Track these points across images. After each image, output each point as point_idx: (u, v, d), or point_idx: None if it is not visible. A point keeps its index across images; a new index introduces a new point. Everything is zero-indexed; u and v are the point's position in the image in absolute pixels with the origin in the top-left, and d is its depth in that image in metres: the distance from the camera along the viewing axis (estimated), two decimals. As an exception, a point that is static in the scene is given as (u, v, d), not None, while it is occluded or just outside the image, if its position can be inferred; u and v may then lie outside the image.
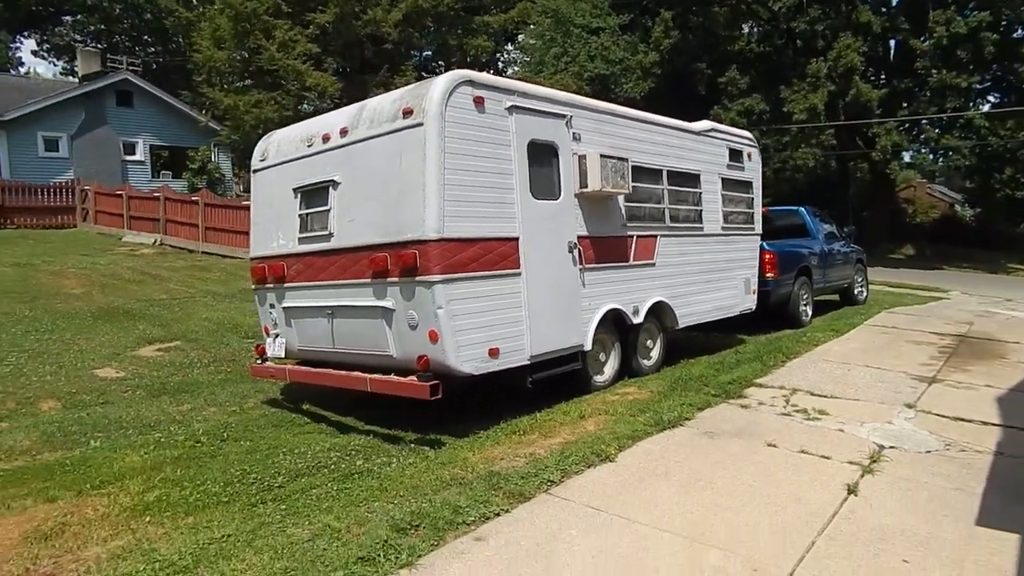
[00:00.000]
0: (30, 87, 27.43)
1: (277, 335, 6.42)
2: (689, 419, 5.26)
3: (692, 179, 7.83)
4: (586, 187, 6.03)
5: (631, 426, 5.00)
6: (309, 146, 5.99)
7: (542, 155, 5.77)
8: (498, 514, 3.54)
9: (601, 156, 6.03)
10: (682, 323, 7.51)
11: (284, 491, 4.35)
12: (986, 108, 27.92)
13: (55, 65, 48.82)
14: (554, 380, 5.85)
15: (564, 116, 6.00)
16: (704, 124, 8.34)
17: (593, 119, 6.38)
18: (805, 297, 10.45)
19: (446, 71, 6.37)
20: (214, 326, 9.75)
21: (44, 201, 20.83)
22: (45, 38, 47.22)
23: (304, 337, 6.16)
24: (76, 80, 29.18)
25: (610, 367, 6.68)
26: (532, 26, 29.53)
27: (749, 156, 9.11)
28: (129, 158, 25.88)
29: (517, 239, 5.40)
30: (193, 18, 24.47)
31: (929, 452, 4.57)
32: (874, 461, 4.35)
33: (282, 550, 3.22)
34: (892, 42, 28.04)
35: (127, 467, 5.00)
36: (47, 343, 8.56)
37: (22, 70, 47.25)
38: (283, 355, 6.38)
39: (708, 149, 8.19)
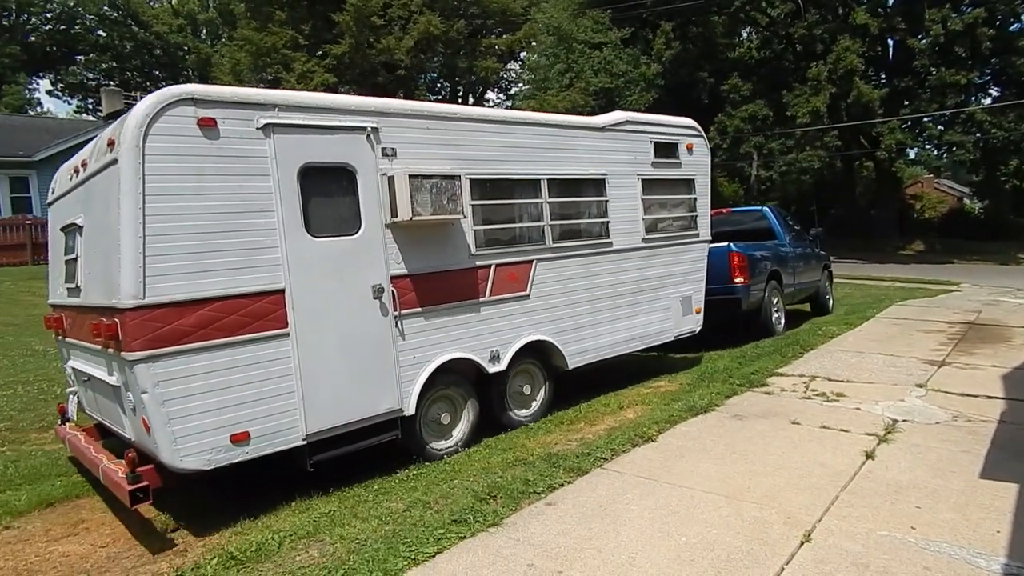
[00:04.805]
0: (56, 127, 28.40)
1: (74, 392, 5.52)
2: (718, 405, 5.79)
3: (592, 185, 6.48)
4: (396, 216, 4.81)
5: (667, 412, 5.55)
6: (71, 179, 5.00)
7: (327, 181, 4.59)
8: (562, 485, 4.10)
9: (411, 177, 4.75)
10: (573, 363, 6.13)
11: (366, 479, 4.88)
12: (987, 102, 28.40)
13: (69, 104, 50.46)
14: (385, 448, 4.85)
15: (364, 128, 4.75)
16: (614, 116, 6.87)
17: (416, 128, 5.08)
18: (777, 304, 9.71)
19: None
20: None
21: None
22: (59, 77, 48.84)
23: (86, 400, 5.32)
24: (92, 119, 30.27)
25: (461, 428, 5.43)
26: (534, 43, 30.40)
27: (689, 149, 7.52)
28: (153, 190, 26.75)
29: (283, 291, 4.26)
30: (211, 52, 25.46)
31: (938, 423, 5.08)
32: (888, 432, 4.87)
33: (385, 517, 3.79)
34: (890, 42, 28.65)
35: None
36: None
37: (39, 110, 48.84)
38: (74, 417, 5.60)
39: (619, 146, 6.75)
